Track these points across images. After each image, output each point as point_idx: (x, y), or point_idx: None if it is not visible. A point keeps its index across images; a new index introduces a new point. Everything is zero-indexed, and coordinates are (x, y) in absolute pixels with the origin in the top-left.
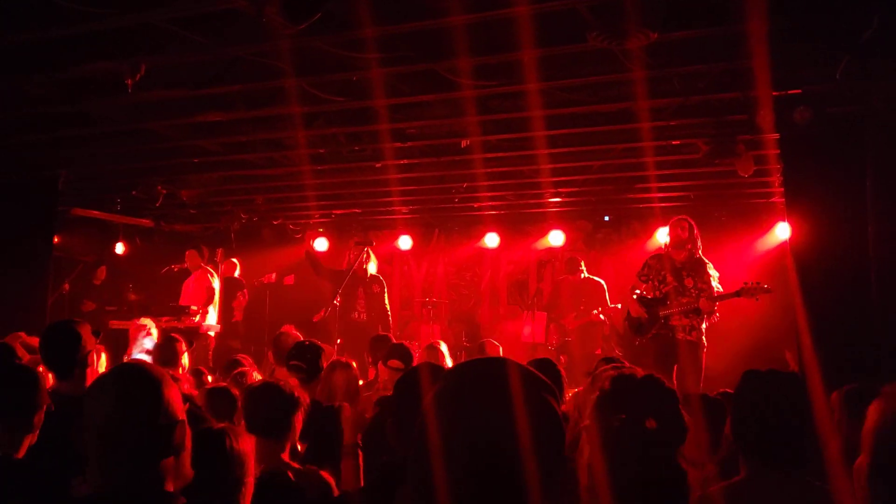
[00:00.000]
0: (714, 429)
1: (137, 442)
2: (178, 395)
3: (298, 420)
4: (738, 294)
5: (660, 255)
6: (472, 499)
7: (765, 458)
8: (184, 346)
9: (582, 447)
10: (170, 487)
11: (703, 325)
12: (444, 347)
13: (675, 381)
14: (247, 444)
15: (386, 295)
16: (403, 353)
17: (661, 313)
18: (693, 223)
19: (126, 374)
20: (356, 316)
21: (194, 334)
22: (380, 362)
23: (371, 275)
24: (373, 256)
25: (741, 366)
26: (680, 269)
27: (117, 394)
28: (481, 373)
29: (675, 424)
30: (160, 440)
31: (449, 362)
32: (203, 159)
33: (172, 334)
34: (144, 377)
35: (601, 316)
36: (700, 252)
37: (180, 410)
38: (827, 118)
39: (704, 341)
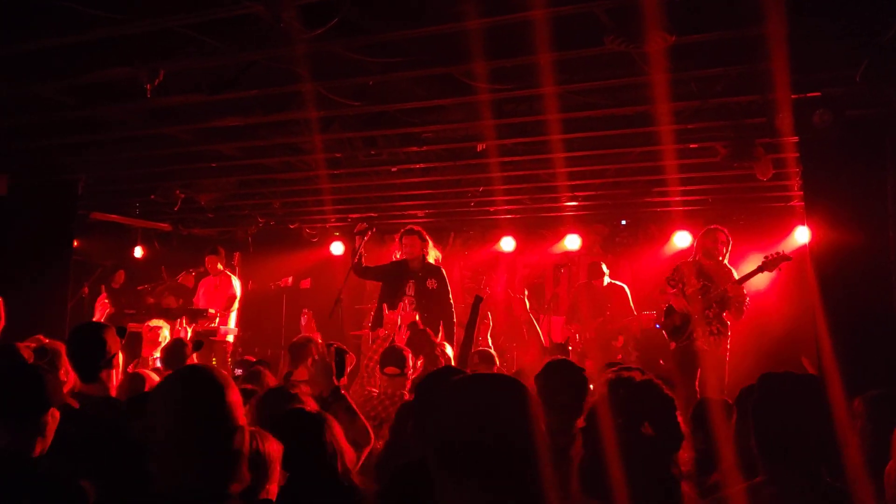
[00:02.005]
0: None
1: (202, 444)
2: (239, 399)
3: None
4: (761, 269)
5: (689, 262)
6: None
7: (784, 461)
8: (191, 349)
9: (576, 448)
10: (234, 490)
11: (727, 331)
12: (449, 351)
13: (697, 390)
14: (274, 448)
15: (448, 291)
16: (398, 359)
17: (691, 314)
18: (727, 233)
19: (194, 377)
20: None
21: (212, 337)
22: (377, 370)
23: (426, 265)
24: (429, 243)
25: (758, 371)
26: (707, 272)
27: (185, 397)
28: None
29: (671, 430)
30: (224, 444)
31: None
32: (220, 164)
33: (183, 337)
34: (211, 381)
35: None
36: (726, 261)
37: (241, 415)
38: (847, 121)
39: (727, 349)
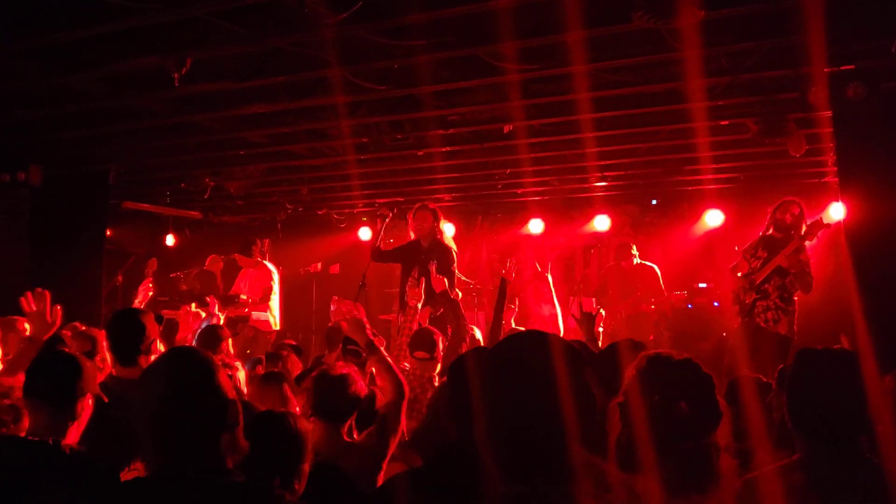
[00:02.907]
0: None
1: (191, 421)
2: (226, 376)
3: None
4: (802, 239)
5: (760, 237)
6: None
7: (821, 437)
8: (226, 333)
9: (613, 423)
10: (229, 464)
11: (790, 308)
12: (478, 334)
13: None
14: (307, 428)
15: (451, 271)
16: (427, 343)
17: (749, 290)
18: (801, 205)
19: (176, 357)
20: (411, 302)
21: (243, 323)
22: (407, 351)
23: (434, 244)
24: (441, 221)
25: (797, 349)
26: (774, 246)
27: (170, 375)
28: (523, 349)
29: (709, 409)
30: (214, 418)
31: None
32: (249, 151)
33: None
34: (195, 359)
35: (652, 306)
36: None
37: (230, 389)
38: (882, 94)
39: (789, 328)
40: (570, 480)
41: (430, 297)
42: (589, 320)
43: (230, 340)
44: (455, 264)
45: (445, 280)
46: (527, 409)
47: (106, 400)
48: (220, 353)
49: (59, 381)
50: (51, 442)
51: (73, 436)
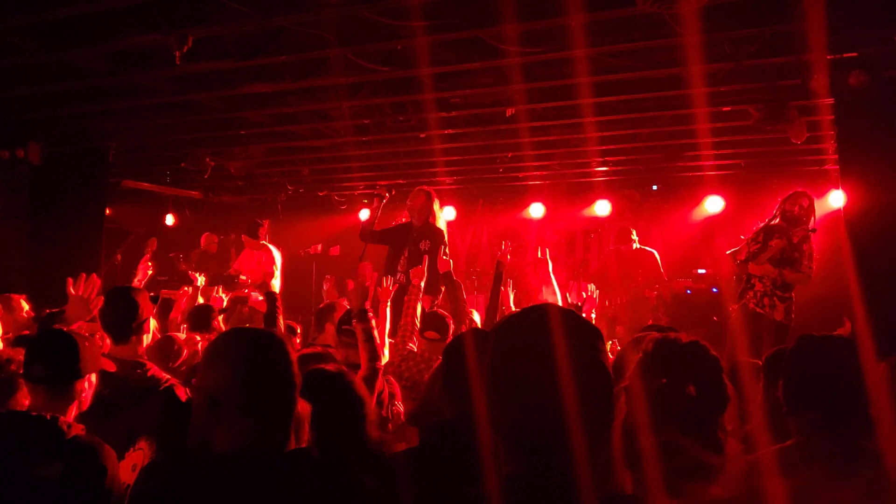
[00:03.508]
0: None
1: (276, 400)
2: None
3: None
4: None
5: (764, 225)
6: (524, 441)
7: (817, 422)
8: (216, 312)
9: (619, 407)
10: (292, 445)
11: (786, 295)
12: (476, 317)
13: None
14: (304, 408)
15: (441, 251)
16: (439, 324)
17: (743, 276)
18: (812, 201)
19: (259, 335)
20: (399, 278)
21: (242, 304)
22: (416, 334)
23: (426, 226)
24: (434, 205)
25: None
26: (776, 234)
27: (254, 355)
28: (532, 324)
29: (716, 392)
30: (289, 401)
31: None
32: (250, 131)
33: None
34: (276, 339)
35: (654, 292)
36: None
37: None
38: (883, 82)
39: (786, 315)
40: (577, 460)
41: (433, 276)
42: (576, 311)
43: (221, 318)
44: (446, 247)
45: (450, 262)
46: (534, 386)
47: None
48: (213, 331)
49: (57, 366)
50: (48, 417)
51: (72, 414)
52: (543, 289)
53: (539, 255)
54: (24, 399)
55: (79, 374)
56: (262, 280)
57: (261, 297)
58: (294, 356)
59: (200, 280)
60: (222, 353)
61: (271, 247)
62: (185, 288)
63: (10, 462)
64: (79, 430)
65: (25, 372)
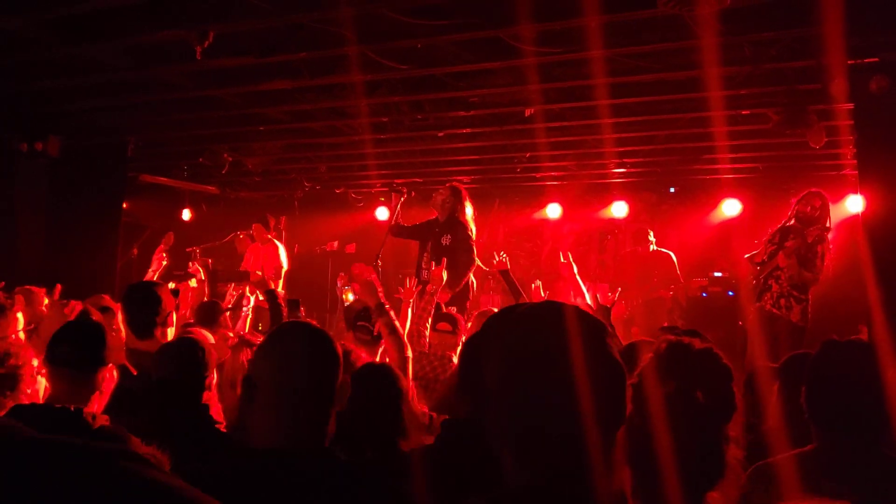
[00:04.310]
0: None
1: (323, 397)
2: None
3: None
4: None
5: (780, 226)
6: (534, 442)
7: (838, 428)
8: (223, 307)
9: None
10: (326, 442)
11: (802, 297)
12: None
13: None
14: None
15: (467, 247)
16: (451, 318)
17: (761, 277)
18: (826, 200)
19: (310, 331)
20: (423, 276)
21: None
22: (424, 339)
23: (449, 220)
24: (461, 199)
25: (816, 339)
26: (791, 235)
27: (309, 351)
28: (546, 316)
29: (724, 401)
30: (333, 397)
31: None
32: (268, 127)
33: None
34: (324, 334)
35: (670, 293)
36: (827, 234)
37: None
38: None
39: (802, 316)
40: (590, 473)
41: (454, 274)
42: (606, 313)
43: (228, 315)
44: (472, 241)
45: (507, 261)
46: (543, 395)
47: (134, 372)
48: (220, 326)
49: (83, 348)
50: (72, 409)
51: (94, 406)
52: (571, 293)
53: (563, 260)
54: (25, 392)
55: (103, 362)
56: (270, 275)
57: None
58: (340, 351)
59: (193, 281)
60: (273, 345)
61: (277, 242)
62: (191, 282)
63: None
64: (104, 420)
65: (50, 354)
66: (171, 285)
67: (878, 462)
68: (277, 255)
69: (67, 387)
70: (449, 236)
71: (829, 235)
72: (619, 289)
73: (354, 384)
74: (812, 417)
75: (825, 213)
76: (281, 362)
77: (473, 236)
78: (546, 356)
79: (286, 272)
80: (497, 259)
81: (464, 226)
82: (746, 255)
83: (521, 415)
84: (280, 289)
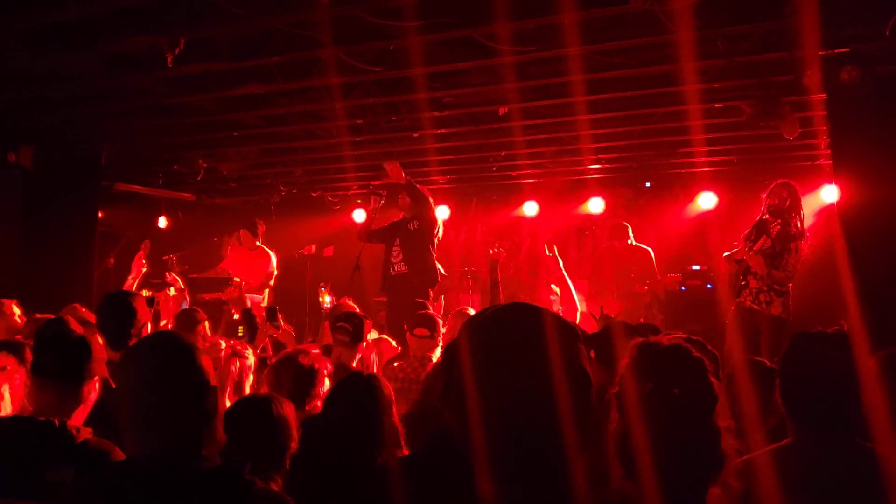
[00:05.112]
0: (765, 396)
1: (174, 407)
2: (209, 362)
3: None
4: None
5: (759, 221)
6: (506, 443)
7: (813, 421)
8: (203, 315)
9: (612, 415)
10: (205, 452)
11: (781, 289)
12: (472, 313)
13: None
14: (290, 412)
15: (429, 233)
16: (428, 321)
17: (737, 273)
18: (794, 190)
19: (161, 342)
20: (395, 269)
21: (237, 305)
22: (407, 332)
23: (412, 213)
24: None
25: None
26: (766, 229)
27: (155, 361)
28: (514, 322)
29: (702, 392)
30: (195, 405)
31: None
32: (242, 133)
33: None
34: (179, 345)
35: (645, 287)
36: (799, 225)
37: (212, 376)
38: (876, 77)
39: (783, 309)
40: (564, 482)
41: (422, 263)
42: (605, 321)
43: (207, 323)
44: (437, 230)
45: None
46: (513, 403)
47: (114, 385)
48: (198, 335)
49: (69, 360)
50: (57, 423)
51: (77, 419)
52: (551, 297)
53: (548, 253)
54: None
55: (89, 374)
56: (261, 282)
57: (258, 299)
58: (201, 358)
59: (172, 290)
60: (127, 359)
61: (266, 248)
62: (170, 291)
63: (22, 467)
64: (87, 433)
65: (35, 365)
66: (146, 293)
67: (854, 453)
68: (269, 262)
69: (53, 399)
70: (416, 222)
71: (801, 225)
72: (593, 287)
73: (334, 395)
74: (786, 411)
75: (796, 203)
76: (133, 376)
77: (440, 224)
78: (515, 362)
79: (276, 277)
80: (493, 251)
81: (427, 210)
82: (726, 254)
83: (491, 423)
84: (266, 298)
